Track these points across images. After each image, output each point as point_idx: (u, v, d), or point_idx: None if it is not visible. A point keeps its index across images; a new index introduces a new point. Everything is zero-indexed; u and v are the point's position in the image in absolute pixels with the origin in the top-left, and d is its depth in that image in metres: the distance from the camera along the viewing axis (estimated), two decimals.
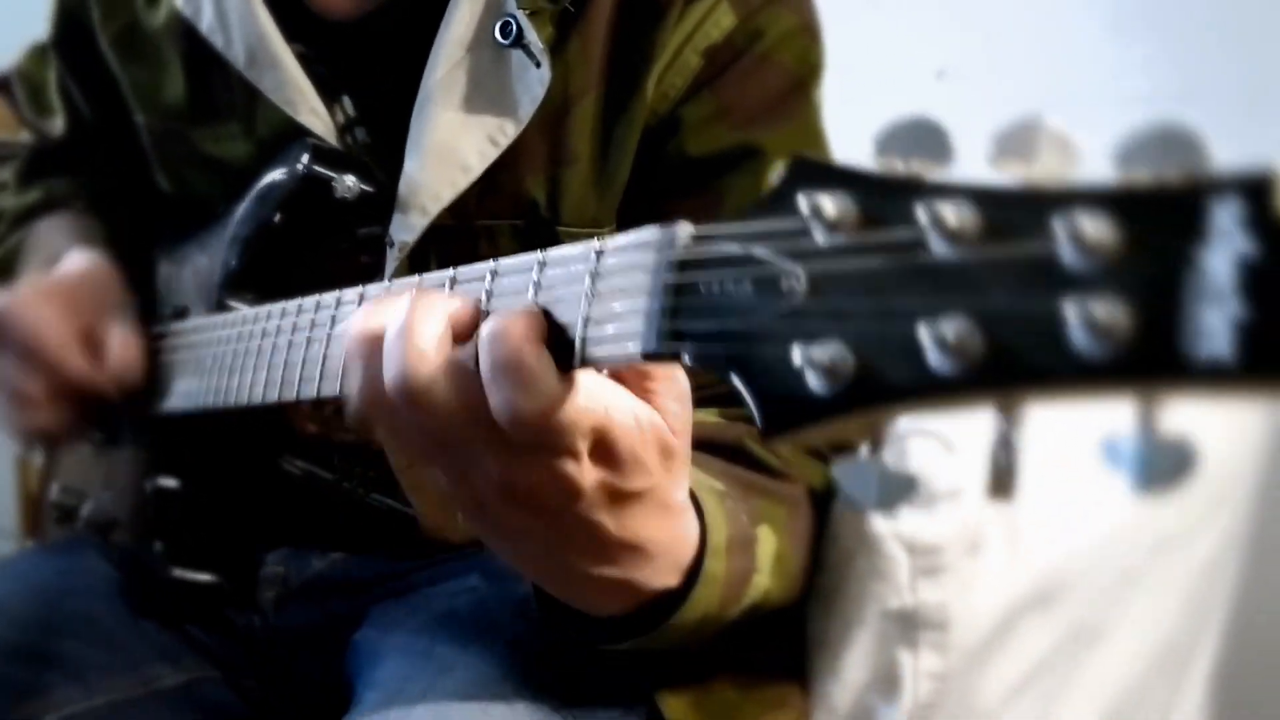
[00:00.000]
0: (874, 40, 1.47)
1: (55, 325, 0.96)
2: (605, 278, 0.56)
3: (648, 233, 0.54)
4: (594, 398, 0.58)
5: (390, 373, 0.58)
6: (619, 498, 0.61)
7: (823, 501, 0.85)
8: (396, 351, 0.58)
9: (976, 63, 1.62)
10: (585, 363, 0.56)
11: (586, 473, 0.59)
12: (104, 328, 0.98)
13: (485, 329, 0.57)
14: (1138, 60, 1.55)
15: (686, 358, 0.52)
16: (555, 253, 0.60)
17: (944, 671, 0.87)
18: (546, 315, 0.57)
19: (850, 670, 0.88)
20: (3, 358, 0.98)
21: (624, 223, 0.91)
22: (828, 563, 0.92)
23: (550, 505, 0.60)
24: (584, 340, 0.56)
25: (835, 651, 0.90)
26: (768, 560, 0.77)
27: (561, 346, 0.57)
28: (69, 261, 1.04)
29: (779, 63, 0.90)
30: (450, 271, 0.67)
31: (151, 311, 1.09)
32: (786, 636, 0.94)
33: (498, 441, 0.57)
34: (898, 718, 0.87)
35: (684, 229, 0.53)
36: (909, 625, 0.86)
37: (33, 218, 1.15)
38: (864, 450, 0.48)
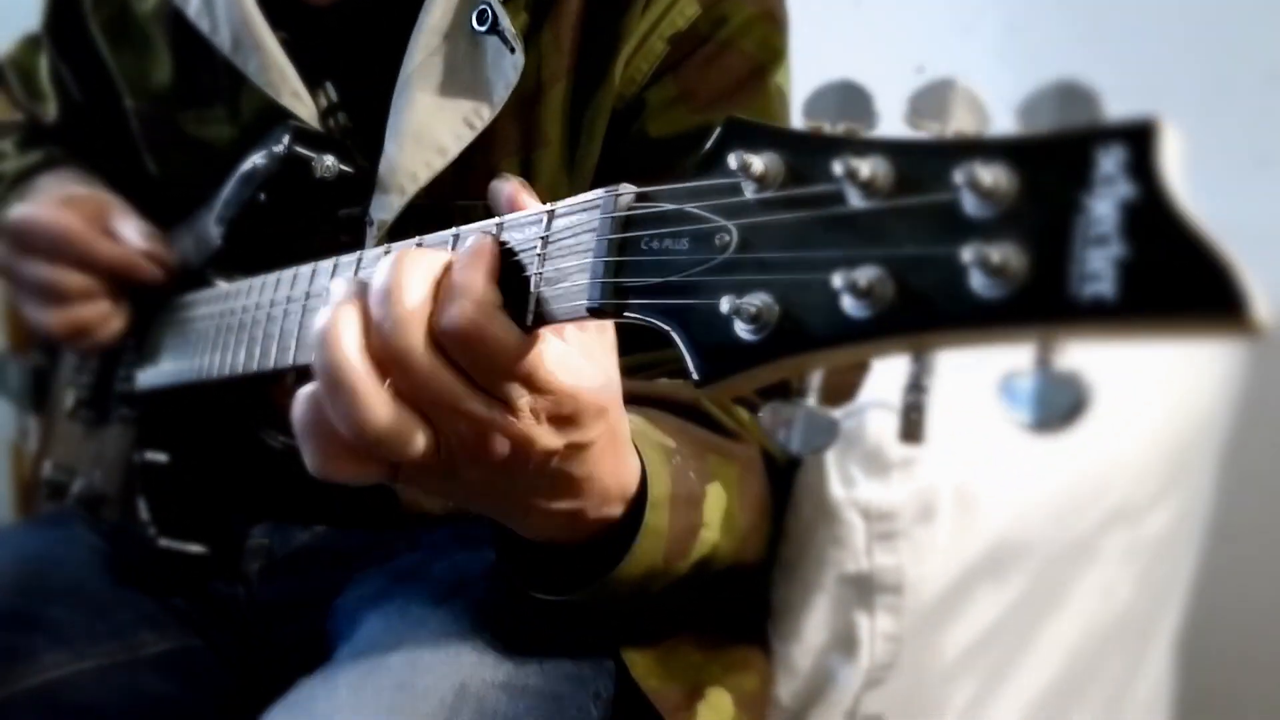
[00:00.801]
0: (855, 36, 1.50)
1: (78, 218, 1.00)
2: (556, 239, 0.59)
3: (594, 194, 0.57)
4: (563, 365, 0.61)
5: (379, 335, 0.59)
6: (579, 447, 0.65)
7: (783, 468, 0.88)
8: (383, 315, 0.59)
9: (956, 59, 1.64)
10: (541, 320, 0.59)
11: (548, 437, 0.62)
12: (123, 226, 1.02)
13: (453, 283, 0.59)
14: (1106, 57, 1.58)
15: (629, 311, 0.55)
16: (511, 217, 0.63)
17: (899, 633, 0.90)
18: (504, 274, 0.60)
19: (810, 633, 0.91)
20: (30, 261, 1.01)
21: None
22: (788, 530, 0.95)
23: (514, 463, 0.63)
24: (538, 298, 0.59)
25: (795, 615, 0.93)
26: (716, 516, 0.81)
27: (518, 305, 0.60)
28: (78, 188, 1.08)
29: (740, 49, 0.93)
30: (415, 240, 0.70)
31: None
32: (749, 601, 0.97)
33: (474, 401, 0.60)
34: (855, 678, 0.90)
35: (626, 189, 0.56)
36: (865, 589, 0.89)
37: (35, 175, 1.17)
38: (789, 395, 0.51)
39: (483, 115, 0.91)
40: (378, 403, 0.59)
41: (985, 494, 0.92)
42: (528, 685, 0.80)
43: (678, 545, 0.77)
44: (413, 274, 0.59)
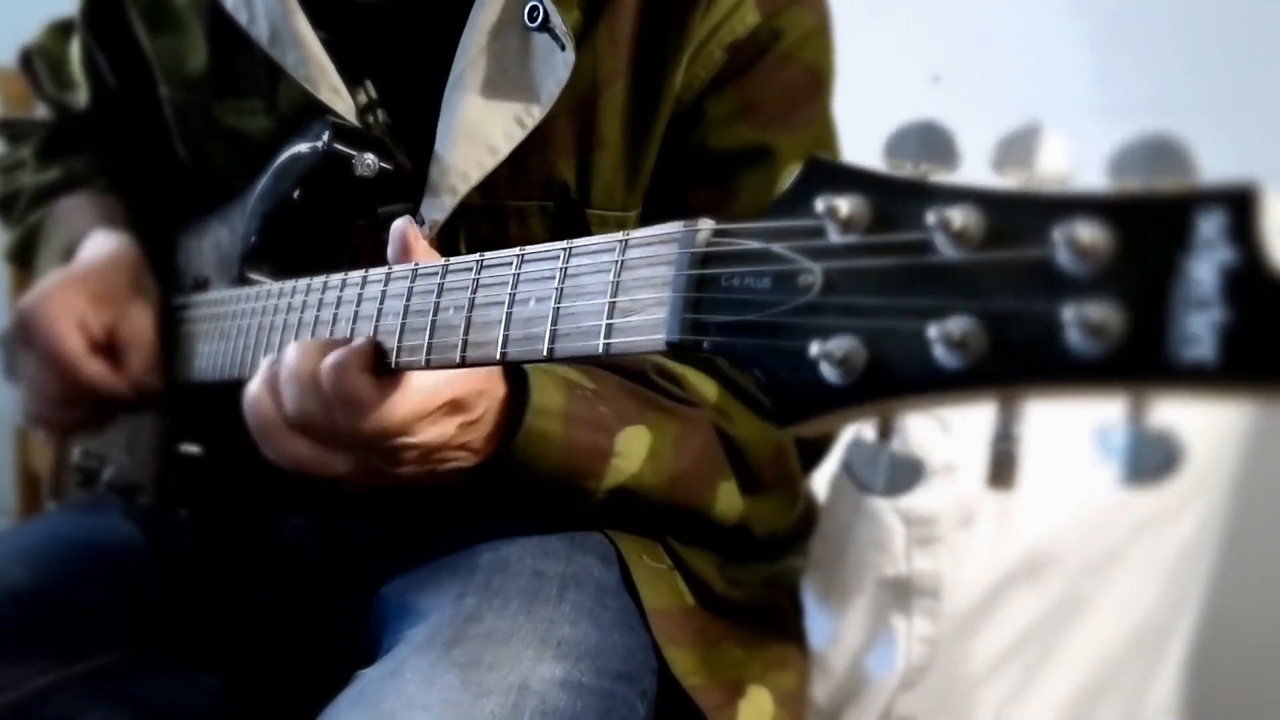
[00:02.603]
0: (871, 46, 1.50)
1: (75, 331, 1.01)
2: (631, 269, 0.60)
3: (671, 227, 0.58)
4: (433, 384, 0.75)
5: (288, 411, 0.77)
6: (472, 423, 0.80)
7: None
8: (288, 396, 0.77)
9: (971, 68, 1.65)
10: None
11: (446, 426, 0.78)
12: (126, 325, 1.03)
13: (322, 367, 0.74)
14: (1124, 68, 1.59)
15: (707, 346, 0.55)
16: (582, 242, 0.63)
17: (935, 637, 0.91)
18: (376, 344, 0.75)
19: (847, 634, 0.93)
20: (28, 352, 1.03)
21: (647, 207, 0.94)
22: (828, 533, 0.96)
23: (437, 454, 0.80)
24: (398, 349, 0.74)
25: (833, 616, 0.94)
26: (638, 452, 0.87)
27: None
28: (92, 245, 1.08)
29: (799, 61, 0.93)
30: (478, 255, 0.70)
31: (172, 284, 1.12)
32: (788, 602, 0.99)
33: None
34: (891, 679, 0.91)
35: (706, 224, 0.57)
36: (903, 592, 0.91)
37: (53, 196, 1.18)
38: (874, 436, 0.52)
39: (533, 114, 0.90)
40: (296, 447, 0.79)
41: (1023, 502, 0.93)
42: (583, 683, 0.81)
43: (583, 463, 0.85)
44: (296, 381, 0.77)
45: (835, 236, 0.51)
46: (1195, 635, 1.30)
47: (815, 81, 0.95)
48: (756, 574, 0.98)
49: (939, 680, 0.93)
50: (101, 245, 1.07)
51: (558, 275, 0.64)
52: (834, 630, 0.94)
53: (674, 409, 0.90)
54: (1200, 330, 0.41)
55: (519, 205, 0.93)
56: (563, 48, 0.88)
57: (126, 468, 1.14)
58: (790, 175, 0.93)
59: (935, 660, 0.92)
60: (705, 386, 0.92)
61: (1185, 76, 1.54)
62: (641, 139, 0.92)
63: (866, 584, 0.92)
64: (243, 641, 1.05)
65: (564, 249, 0.64)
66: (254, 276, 1.00)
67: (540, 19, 0.89)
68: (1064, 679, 1.06)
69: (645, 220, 0.94)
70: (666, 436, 0.89)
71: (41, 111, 1.25)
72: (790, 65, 0.93)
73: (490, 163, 0.91)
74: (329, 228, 0.98)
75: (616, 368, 0.90)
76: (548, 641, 0.82)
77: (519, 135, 0.90)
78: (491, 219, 0.93)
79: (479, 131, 0.90)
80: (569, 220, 0.93)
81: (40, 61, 1.22)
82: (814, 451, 0.98)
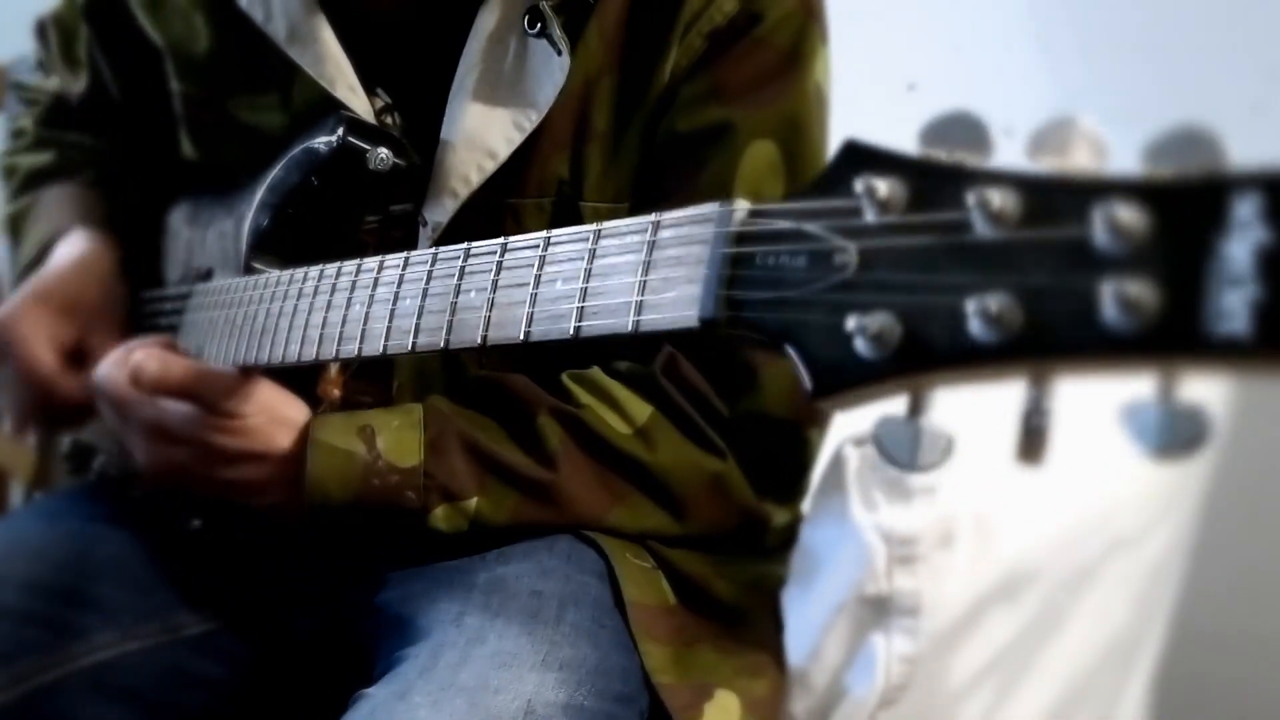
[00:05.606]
0: (849, 53, 1.53)
1: (48, 346, 1.04)
2: (663, 248, 0.61)
3: (707, 208, 0.59)
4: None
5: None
6: (240, 431, 0.92)
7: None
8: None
9: (947, 77, 1.69)
10: None
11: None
12: (96, 337, 1.05)
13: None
14: (1095, 83, 1.63)
15: (743, 325, 0.56)
16: (611, 224, 0.65)
17: (914, 655, 0.93)
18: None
19: (828, 651, 0.94)
20: (3, 366, 1.06)
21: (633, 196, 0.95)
22: (810, 549, 0.97)
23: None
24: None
25: (814, 633, 0.95)
26: (454, 527, 0.91)
27: None
28: (63, 249, 1.09)
29: (773, 43, 0.94)
30: (501, 240, 0.72)
31: (158, 276, 1.13)
32: (768, 610, 0.99)
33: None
34: (870, 697, 0.92)
35: (741, 205, 0.58)
36: (883, 610, 0.92)
37: (44, 181, 1.18)
38: (905, 411, 0.53)
39: (531, 118, 0.93)
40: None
41: (1002, 522, 0.95)
42: (584, 706, 0.82)
43: (386, 526, 0.92)
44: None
45: (871, 216, 0.53)
46: (1164, 650, 1.32)
47: (788, 61, 0.95)
48: (744, 570, 0.99)
49: (918, 697, 0.94)
50: (72, 249, 1.09)
51: (586, 256, 0.65)
52: (815, 646, 0.95)
53: (523, 476, 0.92)
54: (1235, 306, 0.43)
55: (516, 203, 0.95)
56: (559, 53, 0.90)
57: (118, 457, 1.14)
58: (752, 153, 0.95)
59: (915, 678, 0.93)
60: (635, 407, 0.93)
61: (1153, 93, 1.57)
62: (628, 130, 0.94)
63: (847, 602, 0.93)
64: (238, 637, 1.04)
65: (593, 231, 0.66)
66: (261, 266, 1.01)
67: (540, 26, 0.91)
68: (1038, 694, 1.08)
69: (634, 211, 0.95)
70: (500, 507, 0.92)
71: (53, 83, 1.24)
72: (763, 48, 0.94)
73: (490, 166, 0.93)
74: (339, 222, 0.99)
75: (509, 396, 0.93)
76: (550, 664, 0.83)
77: (518, 139, 0.93)
78: (488, 217, 0.94)
79: (479, 137, 0.93)
80: (564, 215, 0.95)
81: (54, 31, 1.21)
82: (792, 478, 0.98)
